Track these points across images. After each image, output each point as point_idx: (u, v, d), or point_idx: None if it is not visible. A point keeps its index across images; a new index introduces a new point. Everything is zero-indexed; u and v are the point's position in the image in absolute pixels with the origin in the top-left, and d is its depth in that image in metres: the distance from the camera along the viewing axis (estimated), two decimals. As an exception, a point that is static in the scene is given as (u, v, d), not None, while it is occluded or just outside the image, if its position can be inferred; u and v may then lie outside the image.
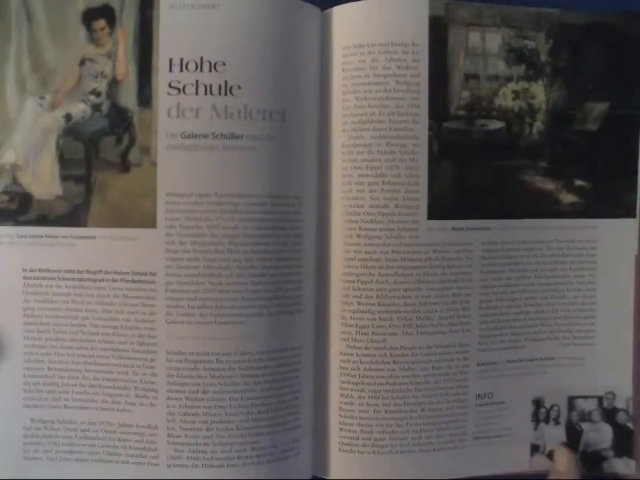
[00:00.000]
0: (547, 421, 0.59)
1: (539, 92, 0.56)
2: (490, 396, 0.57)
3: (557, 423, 0.59)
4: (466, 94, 0.55)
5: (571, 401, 0.59)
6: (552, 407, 0.59)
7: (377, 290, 0.54)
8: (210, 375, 0.52)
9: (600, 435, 0.59)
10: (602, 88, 0.57)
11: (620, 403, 0.59)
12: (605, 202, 0.58)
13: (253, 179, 0.52)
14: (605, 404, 0.59)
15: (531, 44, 0.56)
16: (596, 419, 0.59)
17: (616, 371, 0.59)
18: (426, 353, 0.55)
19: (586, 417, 0.59)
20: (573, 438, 0.59)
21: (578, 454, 0.58)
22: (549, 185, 0.57)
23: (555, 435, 0.59)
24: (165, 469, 0.53)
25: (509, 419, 0.58)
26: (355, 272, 0.54)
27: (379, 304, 0.54)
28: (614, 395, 0.59)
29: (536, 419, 0.59)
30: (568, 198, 0.57)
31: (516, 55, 0.56)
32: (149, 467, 0.53)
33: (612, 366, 0.59)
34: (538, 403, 0.58)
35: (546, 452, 0.59)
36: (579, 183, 0.57)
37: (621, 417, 0.59)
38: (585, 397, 0.59)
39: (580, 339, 0.58)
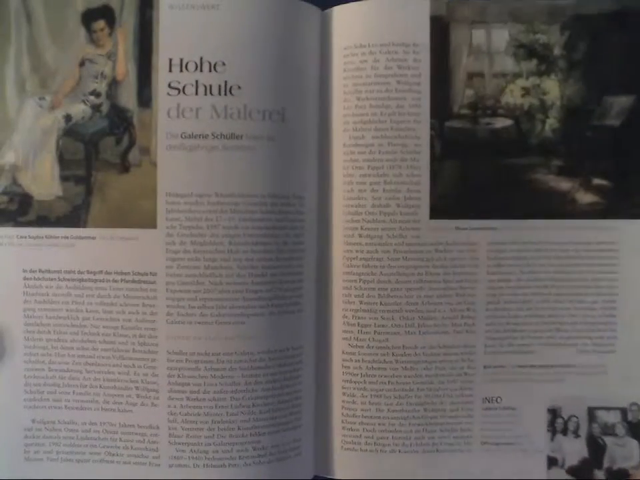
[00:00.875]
0: (564, 432, 0.56)
1: (553, 87, 0.55)
2: (498, 400, 0.56)
3: (577, 435, 0.56)
4: (470, 92, 0.55)
5: (591, 412, 0.56)
6: (570, 417, 0.56)
7: (378, 289, 0.54)
8: (211, 375, 0.52)
9: (626, 451, 0.56)
10: (624, 81, 0.55)
11: None
12: (628, 201, 0.55)
13: (253, 179, 0.52)
14: (630, 417, 0.56)
15: (542, 38, 0.55)
16: (620, 433, 0.56)
17: None
18: (429, 352, 0.55)
19: (609, 430, 0.56)
20: (596, 453, 0.56)
21: (602, 471, 0.56)
22: (564, 184, 0.55)
23: (574, 448, 0.56)
24: (167, 469, 0.53)
25: (521, 426, 0.56)
26: (356, 271, 0.54)
27: (380, 303, 0.54)
28: (639, 407, 0.56)
29: (552, 429, 0.56)
30: (586, 197, 0.55)
31: (526, 51, 0.55)
32: (150, 467, 0.54)
33: (636, 375, 0.56)
34: (554, 413, 0.56)
35: (566, 467, 0.56)
36: (597, 181, 0.55)
37: None
38: (607, 409, 0.56)
39: (601, 346, 0.56)
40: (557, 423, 0.56)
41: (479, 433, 0.56)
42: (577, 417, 0.56)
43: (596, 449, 0.56)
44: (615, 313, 0.56)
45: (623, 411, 0.56)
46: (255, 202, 0.52)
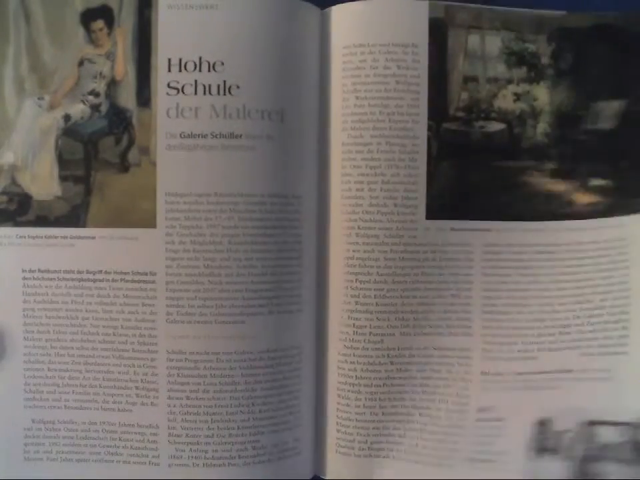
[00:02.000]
0: (554, 451, 0.50)
1: (542, 94, 0.56)
2: (491, 410, 0.54)
3: (568, 456, 0.50)
4: (465, 95, 0.55)
5: (591, 427, 0.50)
6: (563, 432, 0.51)
7: (374, 289, 0.54)
8: (210, 374, 0.52)
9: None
10: (613, 87, 0.56)
11: None
12: (631, 198, 0.56)
13: (252, 179, 0.52)
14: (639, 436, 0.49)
15: (531, 47, 0.56)
16: (624, 456, 0.47)
17: None
18: (423, 354, 0.55)
19: (610, 452, 0.47)
20: None
21: None
22: (559, 186, 0.55)
23: (560, 471, 0.49)
24: (166, 469, 0.53)
25: (506, 439, 0.54)
26: (353, 271, 0.54)
27: (376, 304, 0.54)
28: None
29: (539, 446, 0.52)
30: (584, 198, 0.55)
31: (516, 58, 0.56)
32: (150, 467, 0.53)
33: None
34: (543, 426, 0.52)
35: None
36: (596, 182, 0.55)
37: None
38: (611, 424, 0.50)
39: (608, 347, 0.54)
40: (545, 438, 0.51)
41: (468, 447, 0.54)
42: (573, 433, 0.51)
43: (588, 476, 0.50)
44: (627, 309, 0.55)
45: (631, 427, 0.50)
46: (254, 201, 0.52)
